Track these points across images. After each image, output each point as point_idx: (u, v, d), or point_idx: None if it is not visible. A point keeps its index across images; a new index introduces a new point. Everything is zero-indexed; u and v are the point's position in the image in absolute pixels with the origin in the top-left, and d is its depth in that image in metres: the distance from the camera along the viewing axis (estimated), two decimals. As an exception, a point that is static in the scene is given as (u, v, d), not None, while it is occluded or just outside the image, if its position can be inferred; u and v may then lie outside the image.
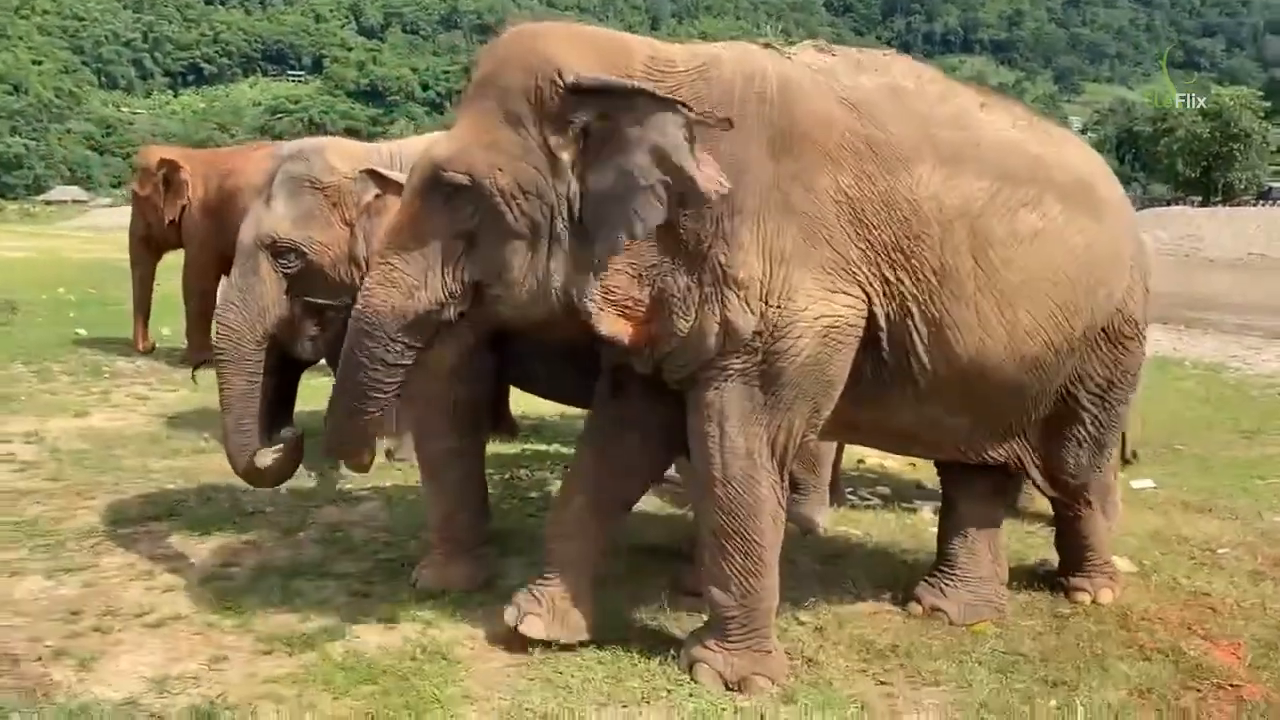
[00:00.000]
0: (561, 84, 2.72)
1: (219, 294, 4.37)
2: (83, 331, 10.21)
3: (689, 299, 2.87)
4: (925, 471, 5.76)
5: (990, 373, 3.15)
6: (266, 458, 3.65)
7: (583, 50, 2.83)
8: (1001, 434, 3.49)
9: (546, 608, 3.23)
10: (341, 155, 3.71)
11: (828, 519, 4.69)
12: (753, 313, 2.83)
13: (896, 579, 4.03)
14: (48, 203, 65.21)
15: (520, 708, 2.87)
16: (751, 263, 2.81)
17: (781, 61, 3.03)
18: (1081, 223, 3.18)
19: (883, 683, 3.13)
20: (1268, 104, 48.57)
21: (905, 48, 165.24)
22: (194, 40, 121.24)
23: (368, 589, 3.72)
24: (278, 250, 3.68)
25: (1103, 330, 3.38)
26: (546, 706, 2.87)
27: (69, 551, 3.99)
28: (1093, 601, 3.74)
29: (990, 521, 3.70)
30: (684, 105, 2.69)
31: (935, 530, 4.63)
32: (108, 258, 20.80)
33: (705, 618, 3.30)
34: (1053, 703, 2.98)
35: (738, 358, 2.88)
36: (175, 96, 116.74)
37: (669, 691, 3.00)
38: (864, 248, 2.90)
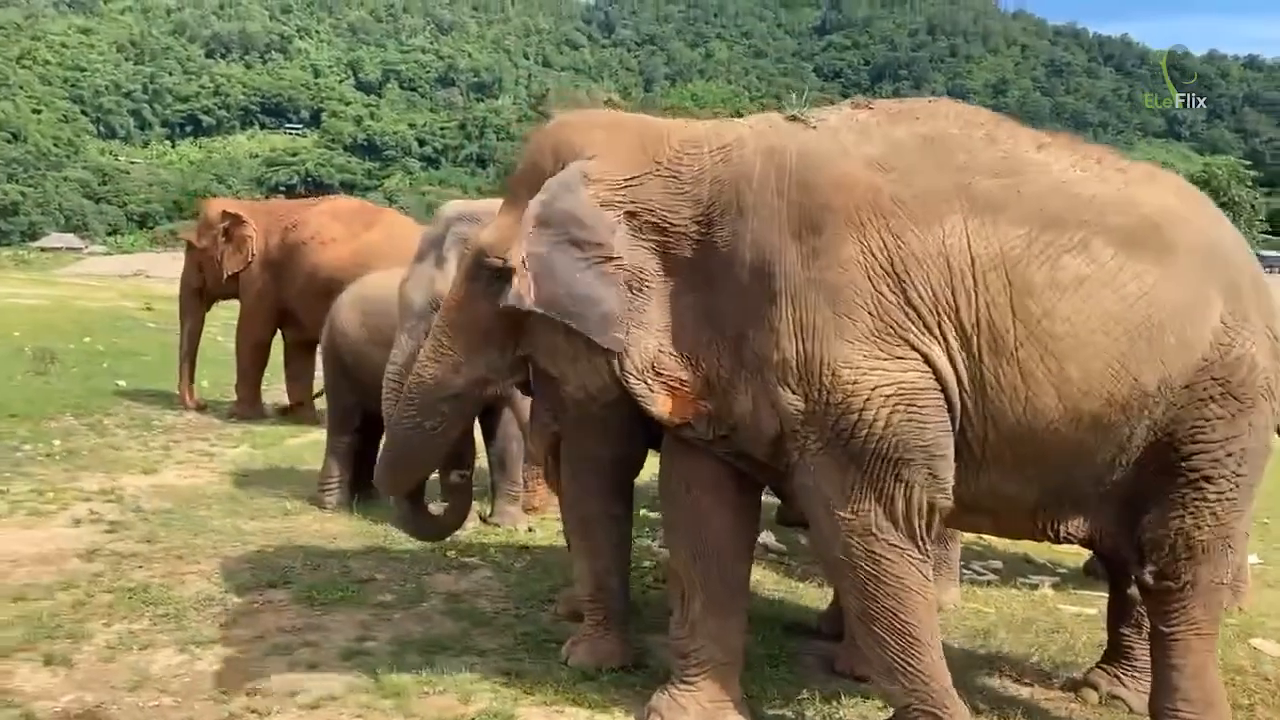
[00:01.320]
0: None
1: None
2: (122, 383, 10.03)
3: (736, 380, 2.87)
4: (1029, 544, 5.64)
5: (1042, 434, 2.82)
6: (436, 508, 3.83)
7: (614, 138, 3.00)
8: (1074, 507, 3.07)
9: (695, 714, 3.07)
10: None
11: (957, 596, 4.55)
12: (794, 392, 2.75)
13: (1054, 661, 3.89)
14: (43, 250, 64.95)
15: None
16: (784, 344, 2.75)
17: (804, 133, 2.96)
18: (1138, 267, 2.82)
19: (1094, 779, 2.97)
20: (1254, 173, 49.34)
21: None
22: (193, 92, 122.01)
23: (517, 666, 3.54)
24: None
25: (1191, 386, 2.85)
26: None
27: (193, 622, 3.81)
28: None
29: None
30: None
31: (1067, 609, 4.57)
32: (120, 306, 20.71)
33: (871, 700, 3.14)
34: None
35: (811, 439, 2.77)
36: (173, 147, 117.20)
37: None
38: (907, 308, 2.75)
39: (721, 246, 2.87)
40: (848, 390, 2.71)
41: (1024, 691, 3.60)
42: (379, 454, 3.63)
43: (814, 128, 3.01)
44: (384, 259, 8.01)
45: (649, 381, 2.93)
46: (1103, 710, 3.46)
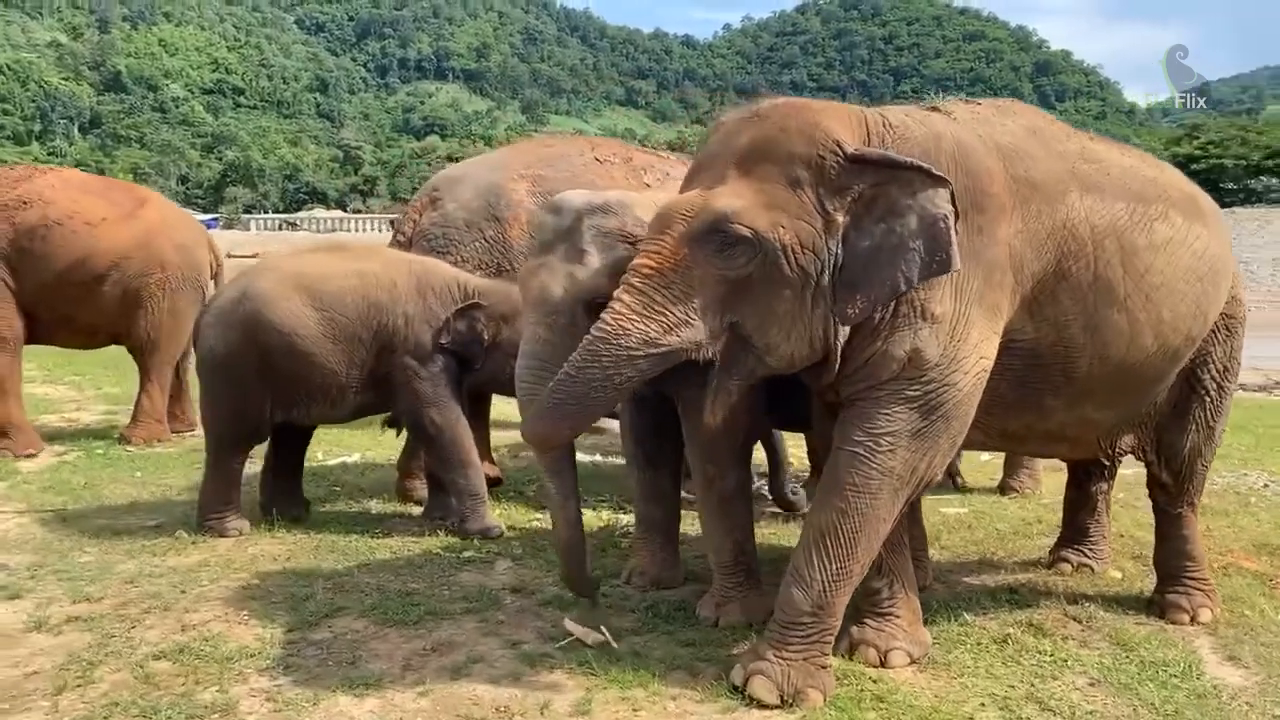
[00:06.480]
0: (842, 155, 3.05)
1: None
2: None
3: (880, 327, 3.16)
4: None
5: (1139, 368, 3.59)
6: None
7: (848, 124, 3.21)
8: (1130, 426, 3.96)
9: (903, 637, 3.50)
10: (645, 208, 3.62)
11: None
12: (939, 344, 3.15)
13: (1006, 550, 4.91)
14: None
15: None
16: (946, 301, 3.17)
17: (951, 122, 3.39)
18: (1197, 229, 3.66)
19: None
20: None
21: (382, 72, 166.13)
22: None
23: (690, 635, 3.67)
24: (597, 306, 3.50)
25: (1224, 315, 3.88)
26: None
27: (310, 673, 3.31)
28: (1192, 622, 3.91)
29: (1106, 492, 4.68)
30: (950, 182, 3.05)
31: (948, 511, 5.60)
32: None
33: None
34: None
35: (914, 385, 3.15)
36: None
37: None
38: (1023, 285, 3.30)
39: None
40: (969, 351, 3.18)
41: (1008, 576, 4.49)
42: (535, 416, 3.23)
43: (954, 119, 3.44)
44: (169, 243, 7.10)
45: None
46: (1080, 577, 4.49)
